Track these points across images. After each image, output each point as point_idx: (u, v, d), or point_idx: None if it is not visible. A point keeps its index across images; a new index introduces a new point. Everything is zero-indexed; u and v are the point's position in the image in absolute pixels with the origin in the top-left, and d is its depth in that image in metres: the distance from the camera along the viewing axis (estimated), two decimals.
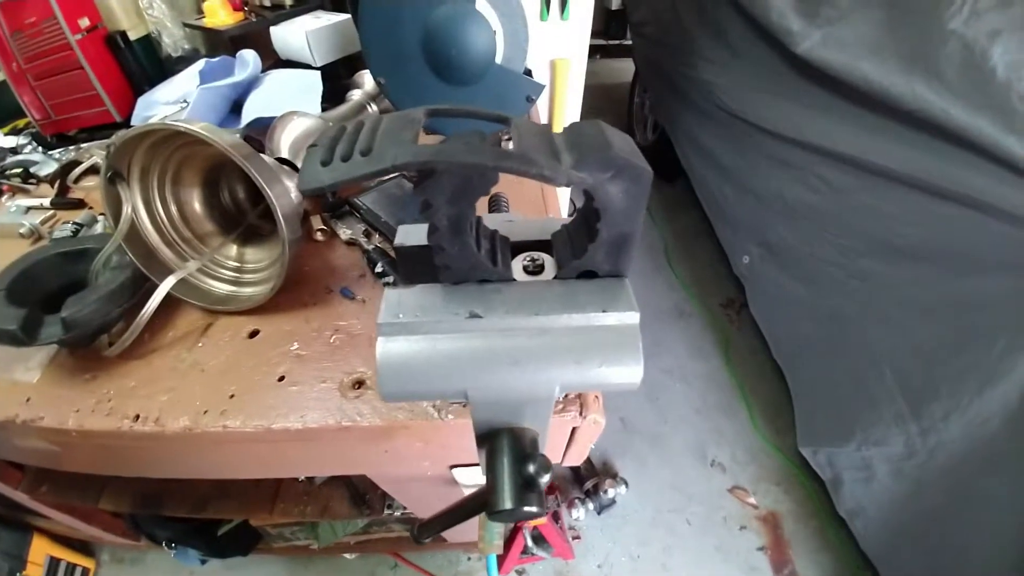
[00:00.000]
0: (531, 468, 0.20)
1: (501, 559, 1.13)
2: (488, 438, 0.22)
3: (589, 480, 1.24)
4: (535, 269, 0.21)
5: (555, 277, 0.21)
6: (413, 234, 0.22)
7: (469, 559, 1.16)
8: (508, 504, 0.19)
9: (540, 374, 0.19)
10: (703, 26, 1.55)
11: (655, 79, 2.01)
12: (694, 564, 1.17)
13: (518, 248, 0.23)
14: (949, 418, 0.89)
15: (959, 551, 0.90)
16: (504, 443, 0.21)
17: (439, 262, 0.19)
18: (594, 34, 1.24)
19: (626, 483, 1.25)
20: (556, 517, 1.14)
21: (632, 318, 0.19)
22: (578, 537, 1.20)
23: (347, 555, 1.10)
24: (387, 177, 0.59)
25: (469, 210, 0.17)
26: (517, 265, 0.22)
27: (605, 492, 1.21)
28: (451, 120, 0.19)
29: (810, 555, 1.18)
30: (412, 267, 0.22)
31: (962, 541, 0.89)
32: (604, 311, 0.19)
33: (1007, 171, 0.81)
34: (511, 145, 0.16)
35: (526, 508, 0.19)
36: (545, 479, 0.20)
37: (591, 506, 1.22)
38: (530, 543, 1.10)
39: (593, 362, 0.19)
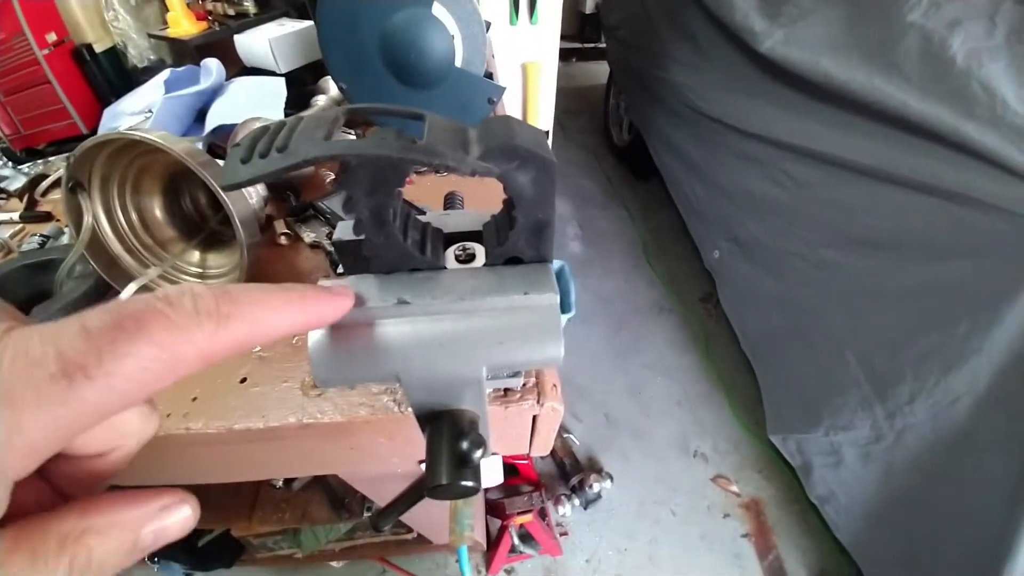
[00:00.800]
0: (464, 444, 0.21)
1: (489, 559, 1.13)
2: (428, 421, 0.23)
3: (574, 476, 1.25)
4: (466, 258, 0.22)
5: (484, 264, 0.22)
6: (350, 230, 0.23)
7: (456, 561, 1.16)
8: (444, 479, 0.20)
9: (465, 355, 0.20)
10: (673, 29, 1.58)
11: (629, 81, 2.04)
12: (680, 554, 1.19)
13: (453, 239, 0.24)
14: (915, 400, 0.91)
15: (931, 533, 0.91)
16: (444, 425, 0.22)
17: (368, 252, 0.20)
18: (569, 37, 1.27)
19: (611, 477, 1.26)
20: (543, 514, 1.14)
21: (551, 299, 0.20)
22: (565, 533, 1.21)
23: (333, 563, 1.09)
24: None
25: (388, 201, 0.18)
26: (450, 255, 0.23)
27: (591, 487, 1.23)
28: (412, 124, 0.20)
29: (793, 540, 1.21)
30: (350, 260, 0.23)
31: (934, 523, 0.91)
32: (526, 293, 0.20)
33: (966, 157, 0.83)
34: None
35: (461, 483, 0.20)
36: (478, 454, 0.21)
37: (577, 502, 1.23)
38: (517, 541, 1.11)
39: (516, 341, 0.20)
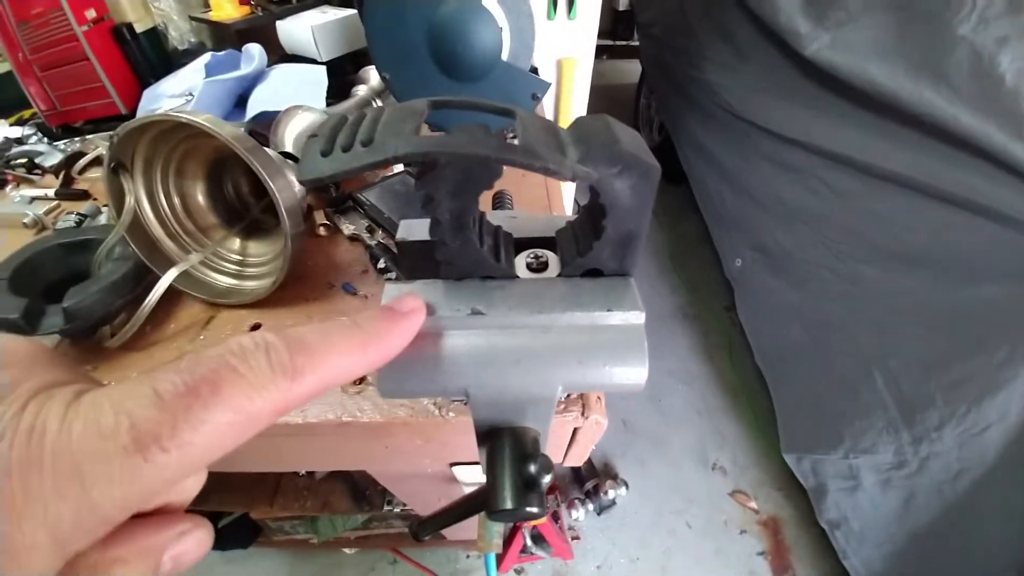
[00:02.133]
0: (532, 468, 0.19)
1: (500, 557, 1.12)
2: (489, 437, 0.21)
3: (590, 481, 1.24)
4: (539, 266, 0.21)
5: (559, 275, 0.21)
6: (415, 229, 0.22)
7: (468, 557, 1.16)
8: (508, 504, 0.19)
9: (542, 374, 0.18)
10: (710, 28, 1.54)
11: (661, 80, 2.00)
12: (694, 567, 1.17)
13: (521, 245, 0.22)
14: (944, 427, 0.87)
15: (947, 567, 0.88)
16: (505, 443, 0.21)
17: (441, 257, 0.19)
18: (601, 35, 1.23)
19: (627, 484, 1.24)
20: (556, 517, 1.13)
21: (638, 318, 0.19)
22: (577, 538, 1.20)
23: (347, 550, 1.10)
24: (391, 173, 0.59)
25: (472, 205, 0.17)
26: (520, 262, 0.21)
27: (605, 493, 1.21)
28: (454, 115, 0.19)
29: (811, 562, 1.18)
30: (413, 262, 0.21)
31: (951, 557, 0.87)
32: (609, 310, 0.19)
33: (1013, 177, 0.81)
34: (516, 139, 0.15)
35: (527, 508, 0.19)
36: (547, 480, 0.20)
37: (591, 507, 1.21)
38: (529, 542, 1.10)
39: (597, 362, 0.18)
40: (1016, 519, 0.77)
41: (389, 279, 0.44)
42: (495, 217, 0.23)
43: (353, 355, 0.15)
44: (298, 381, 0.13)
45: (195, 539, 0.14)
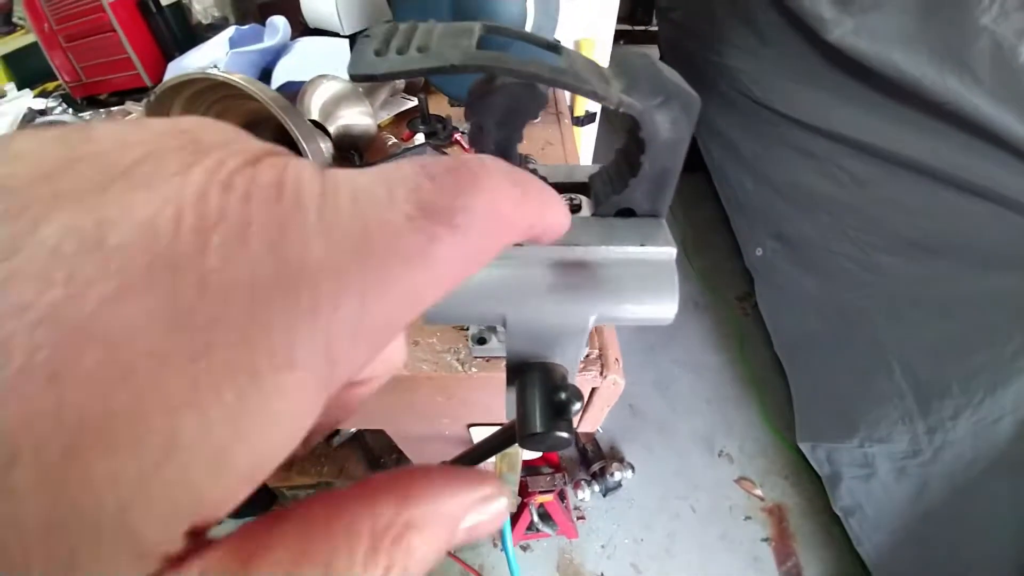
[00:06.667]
0: (563, 395, 0.20)
1: None
2: (519, 372, 0.22)
3: (596, 463, 1.25)
4: (573, 208, 0.22)
5: (593, 215, 0.21)
6: None
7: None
8: (538, 427, 0.20)
9: (576, 303, 0.19)
10: (732, 12, 1.52)
11: (680, 66, 1.94)
12: (697, 551, 1.18)
13: (557, 190, 0.23)
14: (959, 417, 0.88)
15: (957, 554, 0.89)
16: (536, 375, 0.22)
17: None
18: (619, 19, 1.22)
19: (632, 468, 1.26)
20: (562, 496, 1.15)
21: (669, 253, 0.19)
22: (583, 518, 1.21)
23: None
24: (413, 145, 0.60)
25: (517, 135, 0.18)
26: None
27: (611, 475, 1.22)
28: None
29: (814, 550, 1.19)
30: None
31: (963, 545, 0.88)
32: (642, 245, 0.19)
33: None
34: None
35: (556, 433, 0.20)
36: (577, 407, 0.21)
37: (597, 488, 1.23)
38: (536, 519, 1.12)
39: (629, 293, 0.19)
40: None
41: None
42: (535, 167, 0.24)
43: (551, 209, 0.12)
44: (526, 202, 0.10)
45: (496, 509, 0.11)
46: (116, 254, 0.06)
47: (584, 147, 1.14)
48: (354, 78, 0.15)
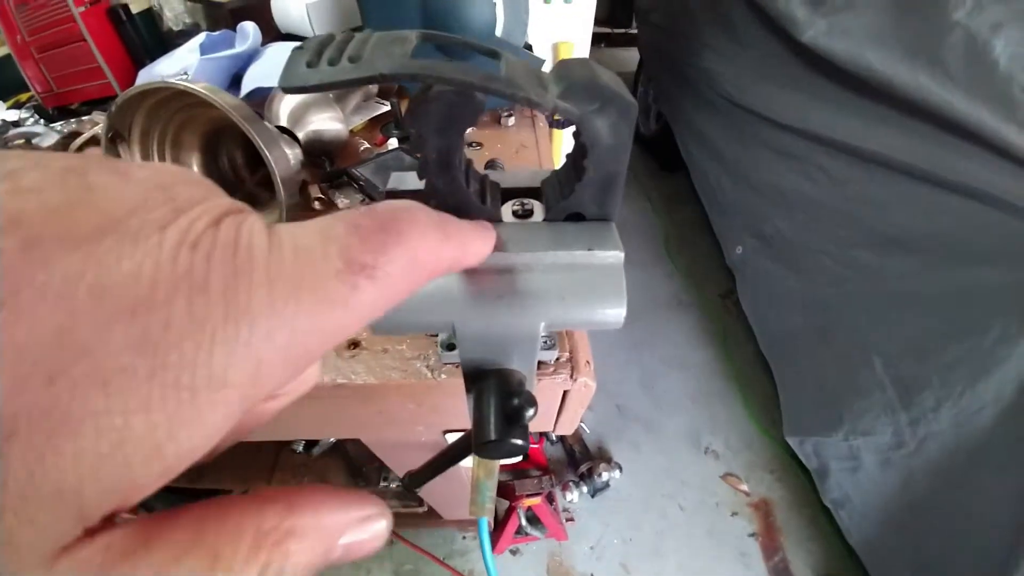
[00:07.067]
0: (515, 402, 0.20)
1: (495, 538, 1.14)
2: (476, 380, 0.22)
3: (584, 463, 1.25)
4: (524, 213, 0.22)
5: (544, 220, 0.21)
6: (406, 180, 0.23)
7: (464, 538, 1.18)
8: (493, 435, 0.20)
9: (525, 309, 0.19)
10: (710, 15, 1.54)
11: (660, 68, 2.00)
12: (685, 548, 1.18)
13: (508, 196, 0.23)
14: (940, 408, 0.89)
15: (945, 542, 0.90)
16: (491, 382, 0.22)
17: (429, 199, 0.20)
18: (599, 22, 1.23)
19: (620, 467, 1.26)
20: (550, 499, 1.15)
21: (616, 257, 0.20)
22: (571, 519, 1.21)
23: None
24: (385, 150, 0.60)
25: (457, 142, 0.18)
26: (506, 210, 0.22)
27: (599, 476, 1.23)
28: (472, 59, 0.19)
29: (801, 543, 1.20)
30: None
31: (949, 533, 0.90)
32: (590, 249, 0.19)
33: (1007, 161, 0.82)
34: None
35: (511, 440, 0.20)
36: (530, 413, 0.20)
37: (585, 489, 1.23)
38: (524, 523, 1.12)
39: (577, 299, 0.19)
40: (1010, 497, 0.79)
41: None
42: (488, 173, 0.24)
43: (474, 241, 0.16)
44: (447, 244, 0.13)
45: (376, 530, 0.12)
46: (108, 296, 0.08)
47: (566, 149, 1.15)
48: (286, 91, 0.15)
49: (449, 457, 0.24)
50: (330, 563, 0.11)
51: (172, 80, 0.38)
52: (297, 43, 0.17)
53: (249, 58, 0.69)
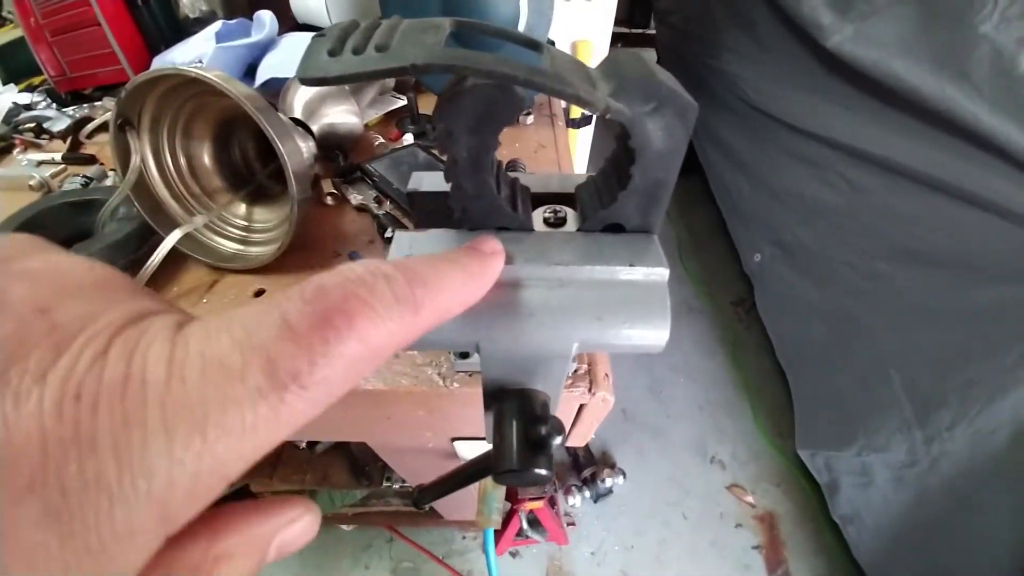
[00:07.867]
0: (542, 429, 0.19)
1: (497, 538, 1.13)
2: (497, 399, 0.21)
3: (587, 468, 1.24)
4: (556, 221, 0.20)
5: (578, 229, 0.20)
6: (427, 180, 0.21)
7: (464, 538, 1.16)
8: (515, 465, 0.18)
9: (557, 328, 0.17)
10: (731, 17, 1.51)
11: (678, 70, 1.96)
12: (688, 558, 1.17)
13: (538, 201, 0.21)
14: (956, 427, 0.87)
15: (956, 563, 0.88)
16: (514, 404, 0.20)
17: (455, 205, 0.18)
18: (617, 22, 1.20)
19: (624, 474, 1.24)
20: (552, 502, 1.13)
21: (661, 275, 0.18)
22: (573, 524, 1.20)
23: (344, 526, 1.10)
24: (400, 145, 0.58)
25: (491, 142, 0.16)
26: (537, 216, 0.20)
27: (603, 481, 1.21)
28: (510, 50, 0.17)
29: (805, 558, 1.18)
30: (425, 214, 0.20)
31: (959, 554, 0.88)
32: (631, 265, 0.18)
33: None
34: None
35: (535, 470, 0.18)
36: (557, 441, 0.19)
37: (588, 494, 1.21)
38: (525, 526, 1.10)
39: (616, 319, 0.17)
40: (1022, 520, 0.77)
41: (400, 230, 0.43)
42: (517, 175, 0.23)
43: (460, 293, 0.14)
44: (420, 314, 0.12)
45: (304, 525, 0.12)
46: (5, 472, 0.08)
47: (581, 150, 1.13)
48: (303, 82, 0.13)
49: (464, 476, 0.23)
50: (266, 564, 0.12)
51: (184, 67, 0.36)
52: (316, 33, 0.15)
53: (265, 47, 0.67)
